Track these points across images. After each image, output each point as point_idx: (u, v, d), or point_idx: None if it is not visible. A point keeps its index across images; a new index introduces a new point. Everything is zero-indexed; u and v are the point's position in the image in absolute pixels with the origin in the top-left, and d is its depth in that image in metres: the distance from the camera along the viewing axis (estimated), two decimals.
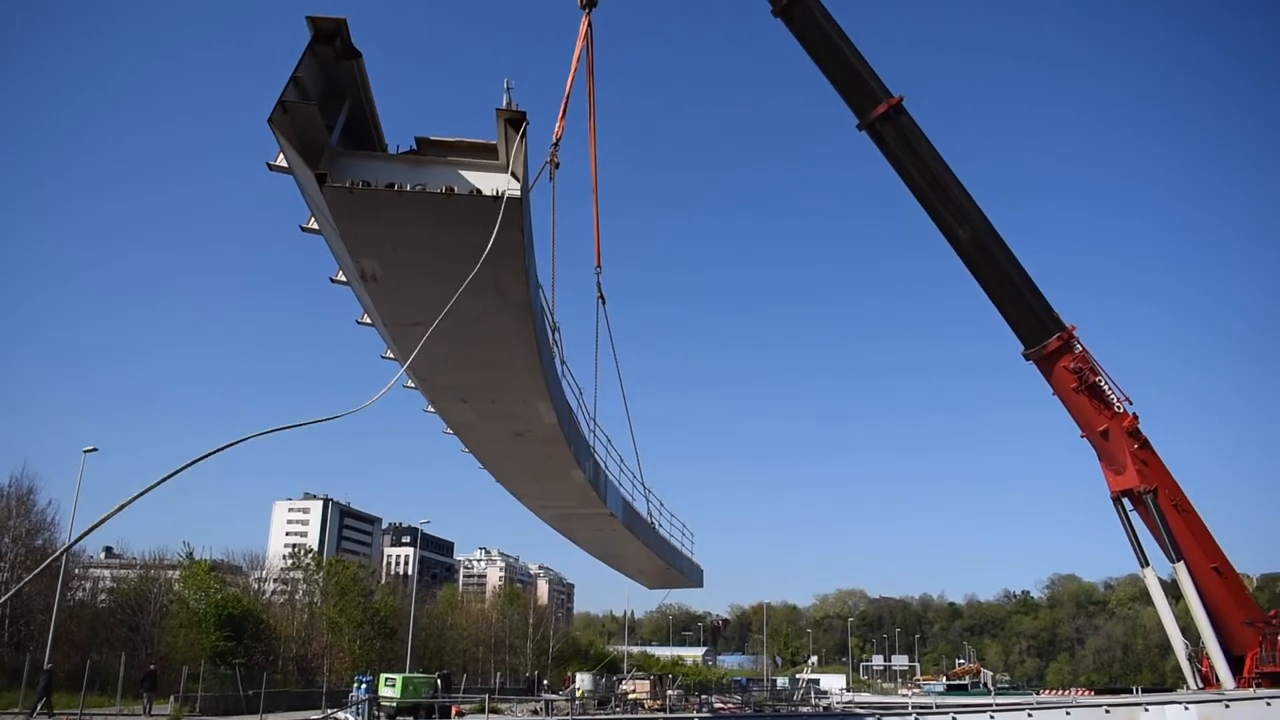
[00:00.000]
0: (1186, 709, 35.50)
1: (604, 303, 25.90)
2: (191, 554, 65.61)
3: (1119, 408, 40.24)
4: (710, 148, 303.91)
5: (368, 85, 9.87)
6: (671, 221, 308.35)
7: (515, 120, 9.35)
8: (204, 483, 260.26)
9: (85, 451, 47.83)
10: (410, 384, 17.28)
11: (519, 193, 9.53)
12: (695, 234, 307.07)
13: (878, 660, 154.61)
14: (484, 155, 9.84)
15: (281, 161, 9.23)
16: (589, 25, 23.84)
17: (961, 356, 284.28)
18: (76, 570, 59.84)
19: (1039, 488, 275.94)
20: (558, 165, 19.01)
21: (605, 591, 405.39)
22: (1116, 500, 41.61)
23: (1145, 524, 41.02)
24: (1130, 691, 45.47)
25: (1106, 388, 40.15)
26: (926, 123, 38.53)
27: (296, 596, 74.01)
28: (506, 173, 9.68)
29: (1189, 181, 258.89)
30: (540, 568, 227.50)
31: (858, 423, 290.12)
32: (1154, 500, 39.80)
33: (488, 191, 9.49)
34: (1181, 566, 39.19)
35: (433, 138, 9.82)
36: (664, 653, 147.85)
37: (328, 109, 9.18)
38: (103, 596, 63.30)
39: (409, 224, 9.89)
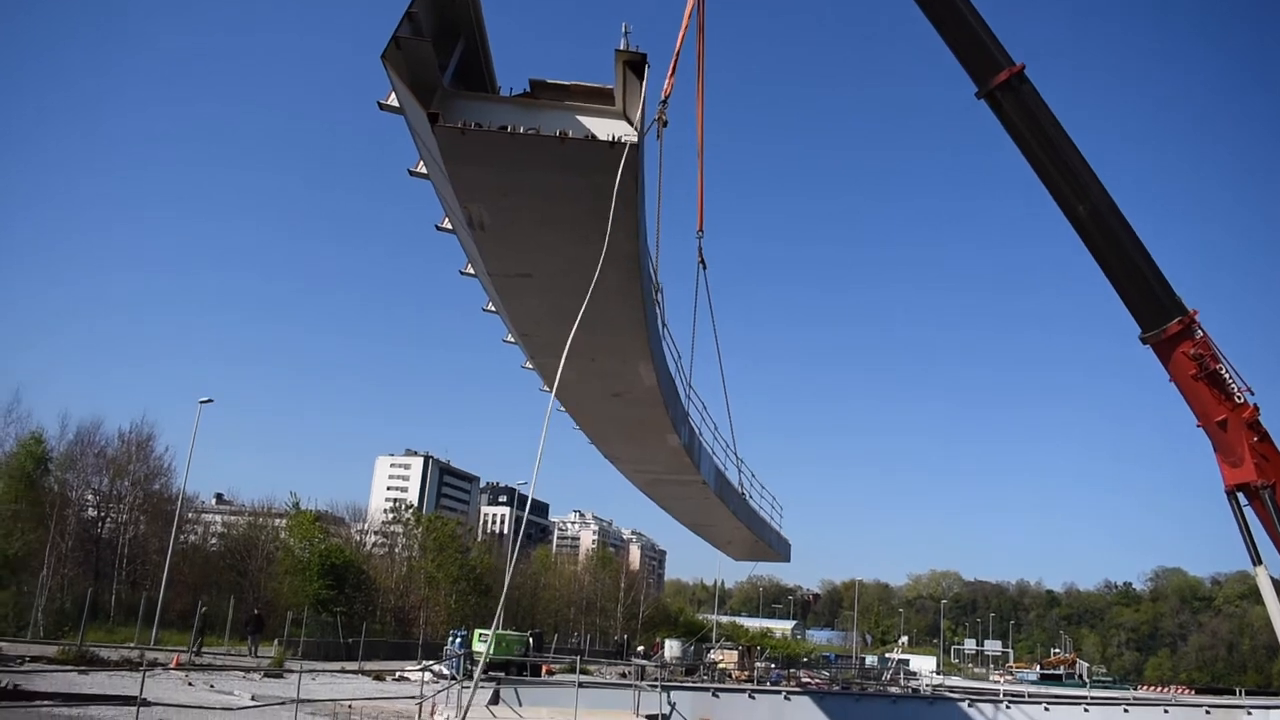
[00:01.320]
0: None
1: (705, 267, 25.43)
2: (298, 504, 68.01)
3: (1239, 398, 38.31)
4: (823, 121, 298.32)
5: (482, 24, 9.62)
6: (782, 195, 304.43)
7: (635, 63, 8.96)
8: (312, 434, 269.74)
9: (201, 402, 49.79)
10: (510, 339, 17.18)
11: (636, 139, 9.22)
12: (804, 209, 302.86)
13: (970, 644, 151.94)
14: (600, 100, 9.52)
15: (393, 100, 9.03)
16: None
17: (1074, 344, 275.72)
18: (190, 515, 62.55)
19: (1145, 477, 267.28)
20: (666, 124, 18.59)
21: (696, 560, 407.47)
22: (1231, 494, 39.77)
23: (1260, 520, 39.12)
24: (1233, 693, 43.76)
25: (1227, 376, 38.20)
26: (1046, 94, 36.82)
27: (396, 550, 76.00)
28: (623, 119, 9.36)
29: None
30: (633, 533, 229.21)
31: (962, 406, 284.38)
32: (1271, 496, 37.93)
33: (603, 137, 9.15)
34: None
35: (548, 80, 9.54)
36: (753, 624, 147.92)
37: (440, 47, 8.92)
38: (213, 541, 66.05)
39: (520, 168, 9.61)
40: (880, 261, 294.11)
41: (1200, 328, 38.24)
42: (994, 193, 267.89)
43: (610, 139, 9.10)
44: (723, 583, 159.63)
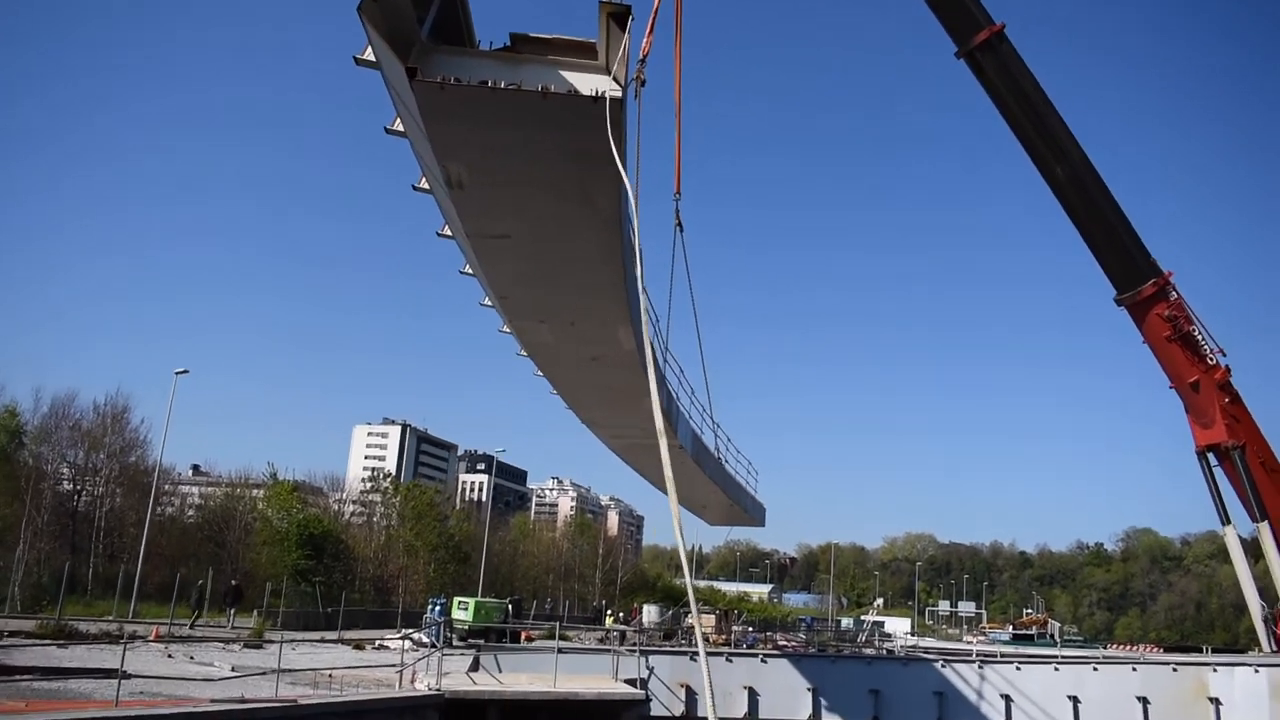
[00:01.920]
0: (1257, 672, 34.32)
1: (681, 230, 25.24)
2: (275, 474, 67.65)
3: (1212, 359, 38.66)
4: (804, 82, 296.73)
5: None
6: (759, 156, 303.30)
7: (618, 15, 8.76)
8: (288, 404, 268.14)
9: (177, 373, 49.15)
10: (488, 302, 17.01)
11: (620, 94, 9.06)
12: (781, 172, 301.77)
13: (944, 606, 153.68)
14: (583, 54, 9.33)
15: (369, 55, 8.83)
16: None
17: (1043, 306, 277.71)
18: (167, 487, 62.10)
19: (1117, 439, 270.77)
20: (644, 83, 18.35)
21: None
22: (1201, 455, 40.20)
23: (1230, 481, 39.64)
24: (1200, 651, 44.34)
25: (1200, 338, 38.56)
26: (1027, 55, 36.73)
27: (374, 519, 75.78)
28: (606, 73, 9.17)
29: None
30: (611, 499, 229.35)
31: (936, 368, 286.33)
32: (1241, 457, 38.36)
33: (586, 92, 8.99)
34: (1265, 526, 37.88)
35: (529, 34, 9.32)
36: (730, 588, 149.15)
37: (418, 1, 8.75)
38: (190, 513, 65.66)
39: (501, 125, 9.43)
40: (856, 226, 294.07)
41: (1175, 289, 38.47)
42: (975, 153, 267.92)
43: (594, 94, 8.93)
44: (700, 547, 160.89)
